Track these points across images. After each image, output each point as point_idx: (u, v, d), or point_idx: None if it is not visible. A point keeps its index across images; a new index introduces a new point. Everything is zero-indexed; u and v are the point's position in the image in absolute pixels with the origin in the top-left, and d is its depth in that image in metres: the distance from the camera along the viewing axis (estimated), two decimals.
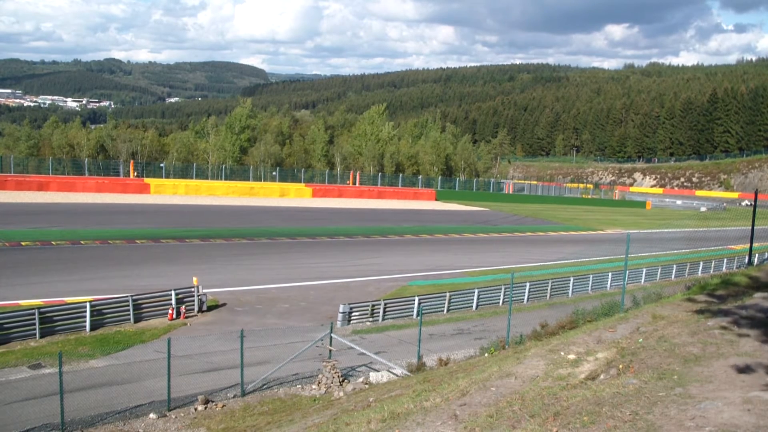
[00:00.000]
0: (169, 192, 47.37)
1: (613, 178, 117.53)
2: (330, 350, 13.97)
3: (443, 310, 20.89)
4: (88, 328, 15.90)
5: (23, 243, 25.02)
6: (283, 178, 57.96)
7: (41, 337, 15.05)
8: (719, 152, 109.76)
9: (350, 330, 18.03)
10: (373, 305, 19.32)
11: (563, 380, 5.80)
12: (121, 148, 63.32)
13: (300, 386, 13.54)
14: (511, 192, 75.05)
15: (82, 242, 26.23)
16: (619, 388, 5.04)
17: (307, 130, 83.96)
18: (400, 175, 68.09)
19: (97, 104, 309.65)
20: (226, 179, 54.46)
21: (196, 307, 18.39)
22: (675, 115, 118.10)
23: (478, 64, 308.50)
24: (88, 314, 15.90)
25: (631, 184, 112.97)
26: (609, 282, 26.17)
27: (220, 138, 68.97)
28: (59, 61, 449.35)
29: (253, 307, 19.42)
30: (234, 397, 12.71)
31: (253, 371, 13.45)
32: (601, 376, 5.68)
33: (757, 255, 17.79)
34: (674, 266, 30.01)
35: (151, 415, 11.45)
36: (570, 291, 24.80)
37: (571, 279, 25.21)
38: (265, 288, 21.53)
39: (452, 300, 21.19)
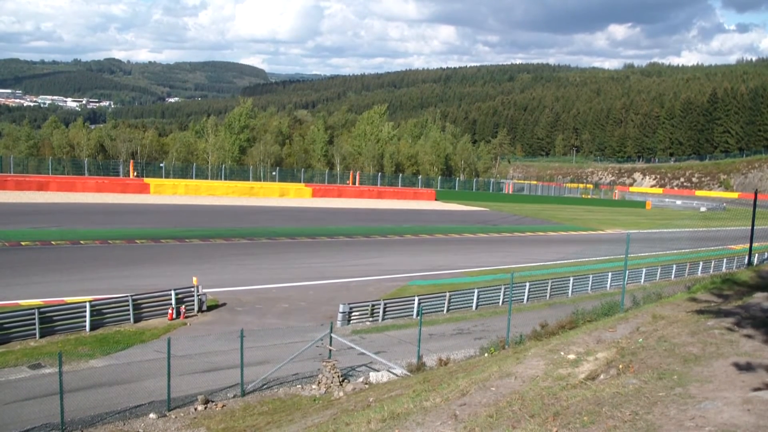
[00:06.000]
0: (168, 192, 47.36)
1: (613, 178, 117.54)
2: (330, 350, 13.96)
3: (443, 310, 20.89)
4: (87, 328, 15.89)
5: (23, 243, 25.02)
6: (283, 178, 57.95)
7: (41, 337, 15.04)
8: (719, 152, 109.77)
9: (350, 330, 18.03)
10: (372, 305, 19.32)
11: (563, 380, 5.80)
12: (120, 148, 63.31)
13: (300, 386, 13.54)
14: (510, 192, 75.04)
15: (82, 242, 26.23)
16: (619, 388, 5.04)
17: (306, 130, 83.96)
18: (400, 175, 68.09)
19: (97, 104, 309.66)
20: (225, 179, 54.45)
21: (195, 307, 18.39)
22: (675, 115, 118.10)
23: (478, 64, 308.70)
24: (87, 314, 15.90)
25: (631, 184, 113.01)
26: (609, 282, 26.17)
27: (220, 138, 69.00)
28: (59, 61, 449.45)
29: (253, 307, 19.42)
30: (234, 397, 12.71)
31: (253, 371, 13.46)
32: (601, 376, 5.68)
33: (756, 255, 17.77)
34: (674, 266, 30.01)
35: (151, 415, 11.45)
36: (570, 291, 24.80)
37: (571, 279, 25.21)
38: (265, 288, 21.53)
39: (452, 300, 21.19)
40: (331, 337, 13.96)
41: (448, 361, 13.13)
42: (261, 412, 11.83)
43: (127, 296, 16.99)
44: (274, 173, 59.58)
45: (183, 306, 17.96)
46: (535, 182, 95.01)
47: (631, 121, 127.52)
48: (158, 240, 28.26)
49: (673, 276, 29.01)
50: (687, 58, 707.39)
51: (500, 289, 22.49)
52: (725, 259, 31.98)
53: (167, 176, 52.98)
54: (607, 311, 12.77)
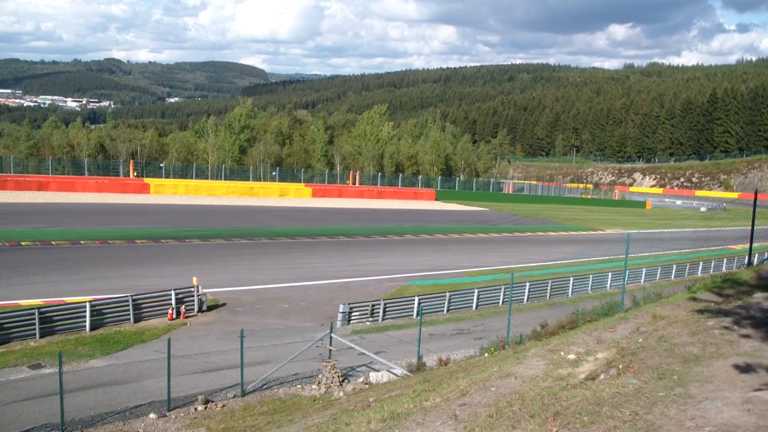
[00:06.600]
0: (168, 192, 47.37)
1: (613, 178, 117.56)
2: (330, 350, 13.96)
3: (443, 310, 20.88)
4: (88, 328, 15.89)
5: (23, 243, 25.01)
6: (283, 178, 57.97)
7: (41, 337, 15.04)
8: (719, 152, 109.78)
9: (350, 330, 18.03)
10: (373, 305, 19.32)
11: (563, 380, 5.79)
12: (120, 148, 63.33)
13: (300, 386, 13.54)
14: (510, 192, 75.06)
15: (82, 242, 26.23)
16: (619, 388, 5.04)
17: (306, 130, 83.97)
18: (400, 175, 68.11)
19: (97, 104, 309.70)
20: (225, 179, 54.46)
21: (195, 307, 18.39)
22: (675, 115, 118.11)
23: (478, 64, 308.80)
24: (88, 314, 15.89)
25: (631, 184, 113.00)
26: (609, 282, 26.16)
27: (220, 138, 69.03)
28: (59, 61, 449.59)
29: (253, 307, 19.42)
30: (234, 397, 12.71)
31: (253, 371, 13.45)
32: (601, 376, 5.68)
33: (756, 255, 17.76)
34: (674, 266, 30.00)
35: (151, 415, 11.45)
36: (570, 291, 24.80)
37: (571, 279, 25.20)
38: (265, 288, 21.53)
39: (452, 300, 21.18)
40: (331, 337, 13.96)
41: (448, 361, 13.13)
42: (261, 412, 11.82)
43: (127, 296, 16.99)
44: (274, 173, 59.59)
45: (183, 306, 17.96)
46: (535, 182, 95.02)
47: (631, 121, 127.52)
48: (158, 240, 28.25)
49: (673, 276, 29.00)
50: (687, 58, 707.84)
51: (500, 289, 22.48)
52: (725, 259, 31.98)
53: (167, 176, 52.98)
54: (607, 311, 12.77)
